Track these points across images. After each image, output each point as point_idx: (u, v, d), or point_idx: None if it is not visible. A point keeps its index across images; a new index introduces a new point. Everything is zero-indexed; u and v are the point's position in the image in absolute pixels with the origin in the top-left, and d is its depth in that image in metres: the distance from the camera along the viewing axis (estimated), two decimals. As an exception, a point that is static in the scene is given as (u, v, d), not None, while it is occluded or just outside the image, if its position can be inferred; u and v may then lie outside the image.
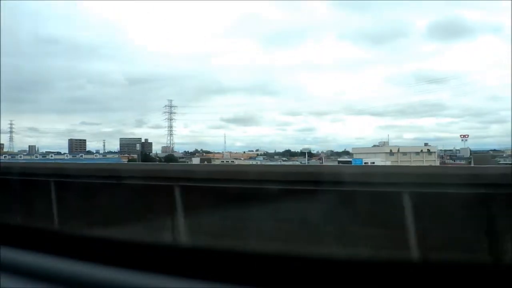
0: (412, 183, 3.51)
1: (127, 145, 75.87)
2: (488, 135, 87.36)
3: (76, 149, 71.00)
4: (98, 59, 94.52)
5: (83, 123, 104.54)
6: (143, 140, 77.39)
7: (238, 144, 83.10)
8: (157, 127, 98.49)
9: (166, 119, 73.41)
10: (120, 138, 76.68)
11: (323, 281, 1.27)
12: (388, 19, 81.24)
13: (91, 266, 1.34)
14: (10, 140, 73.39)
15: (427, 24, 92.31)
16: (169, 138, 73.91)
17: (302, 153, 60.16)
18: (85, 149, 71.15)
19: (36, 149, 69.77)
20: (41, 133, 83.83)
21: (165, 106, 73.10)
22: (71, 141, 74.75)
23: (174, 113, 73.54)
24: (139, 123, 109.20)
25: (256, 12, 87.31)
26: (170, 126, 74.11)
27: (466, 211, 3.32)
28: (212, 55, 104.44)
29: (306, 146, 63.44)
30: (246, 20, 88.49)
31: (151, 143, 77.46)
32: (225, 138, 71.90)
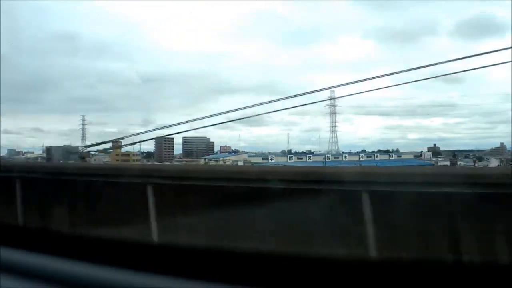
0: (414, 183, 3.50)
1: (191, 144, 69.99)
2: (492, 136, 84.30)
3: (165, 149, 63.94)
4: (111, 58, 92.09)
5: (90, 123, 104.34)
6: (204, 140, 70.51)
7: (242, 144, 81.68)
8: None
9: (328, 113, 63.23)
10: (183, 137, 69.39)
11: (323, 281, 1.27)
12: (416, 18, 76.88)
13: (90, 266, 1.34)
14: (82, 139, 64.83)
15: (456, 22, 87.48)
16: (332, 135, 63.86)
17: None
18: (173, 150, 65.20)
19: (69, 149, 67.56)
20: (45, 133, 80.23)
21: (328, 97, 66.54)
22: (159, 139, 65.45)
23: (335, 105, 61.55)
24: (146, 123, 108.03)
25: (273, 11, 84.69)
26: (334, 121, 63.98)
27: (466, 211, 3.29)
28: (224, 54, 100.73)
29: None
30: (263, 20, 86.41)
31: (213, 142, 70.89)
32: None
